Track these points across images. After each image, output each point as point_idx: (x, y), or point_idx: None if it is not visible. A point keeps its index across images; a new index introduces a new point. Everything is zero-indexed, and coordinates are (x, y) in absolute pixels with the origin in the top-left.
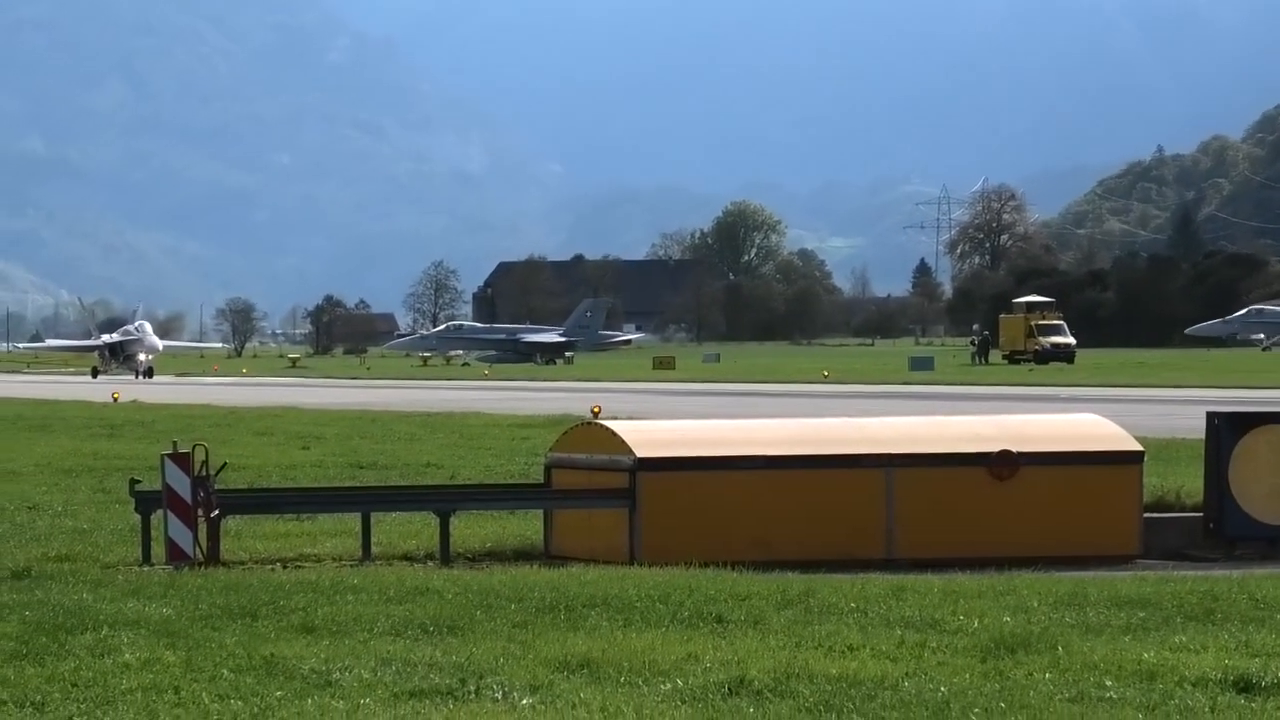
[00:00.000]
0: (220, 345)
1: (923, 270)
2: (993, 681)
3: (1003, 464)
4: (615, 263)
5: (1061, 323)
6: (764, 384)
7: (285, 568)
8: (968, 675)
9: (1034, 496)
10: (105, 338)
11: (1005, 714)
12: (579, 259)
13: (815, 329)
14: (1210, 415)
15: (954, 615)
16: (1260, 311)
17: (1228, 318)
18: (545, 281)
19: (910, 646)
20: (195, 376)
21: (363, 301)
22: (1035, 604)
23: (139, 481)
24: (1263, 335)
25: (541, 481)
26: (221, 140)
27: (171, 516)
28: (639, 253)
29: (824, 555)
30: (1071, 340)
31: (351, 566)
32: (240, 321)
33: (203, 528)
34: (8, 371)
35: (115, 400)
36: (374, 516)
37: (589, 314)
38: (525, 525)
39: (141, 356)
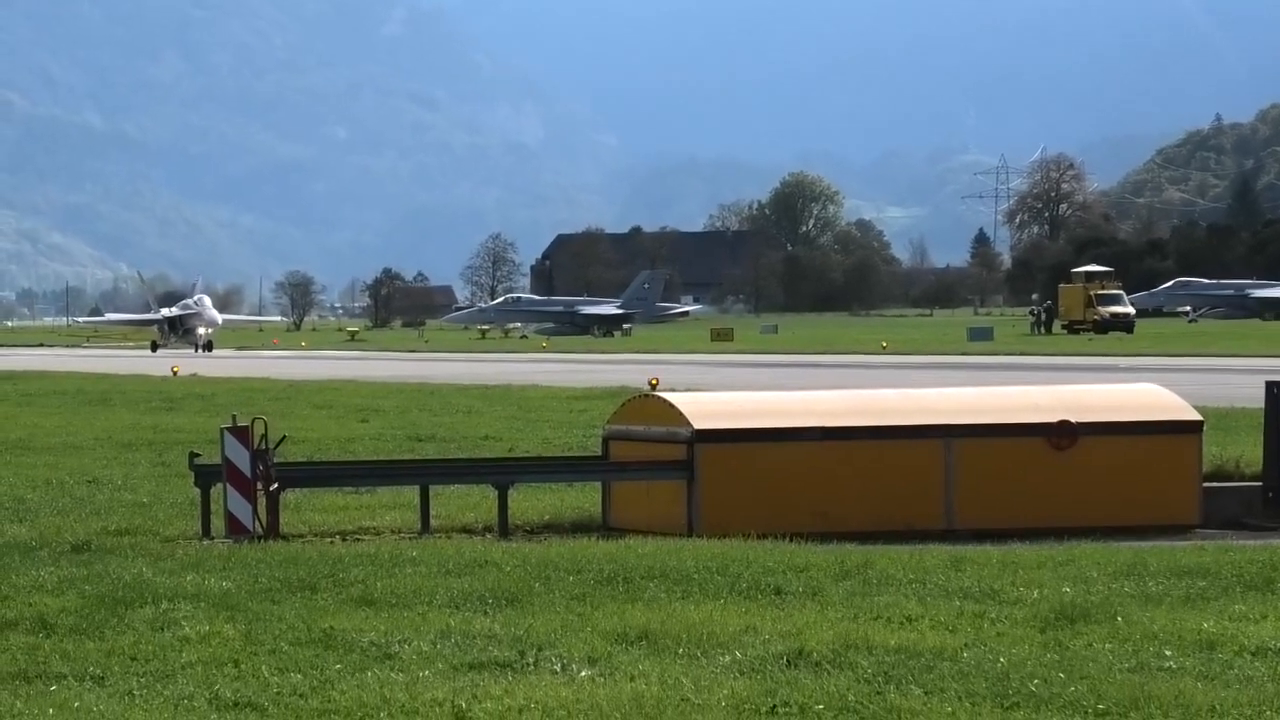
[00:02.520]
0: (279, 319)
1: (981, 240)
2: (1052, 652)
3: (1062, 434)
4: (672, 234)
5: (1121, 292)
6: (822, 355)
7: (344, 540)
8: (1027, 646)
9: (1093, 466)
10: (165, 311)
11: (1065, 684)
12: (636, 231)
13: (873, 299)
14: (1270, 384)
15: (1013, 586)
16: (1186, 284)
17: (1153, 290)
18: (603, 253)
19: (969, 617)
20: (254, 350)
21: (421, 274)
22: (1094, 574)
23: (198, 455)
24: (1189, 307)
25: (599, 454)
26: (277, 113)
27: (231, 490)
28: (696, 224)
29: (882, 526)
30: (1131, 310)
31: (410, 539)
32: (299, 295)
33: (262, 501)
34: (68, 345)
35: (175, 374)
36: (432, 489)
37: (646, 285)
38: (583, 497)
39: (201, 330)
